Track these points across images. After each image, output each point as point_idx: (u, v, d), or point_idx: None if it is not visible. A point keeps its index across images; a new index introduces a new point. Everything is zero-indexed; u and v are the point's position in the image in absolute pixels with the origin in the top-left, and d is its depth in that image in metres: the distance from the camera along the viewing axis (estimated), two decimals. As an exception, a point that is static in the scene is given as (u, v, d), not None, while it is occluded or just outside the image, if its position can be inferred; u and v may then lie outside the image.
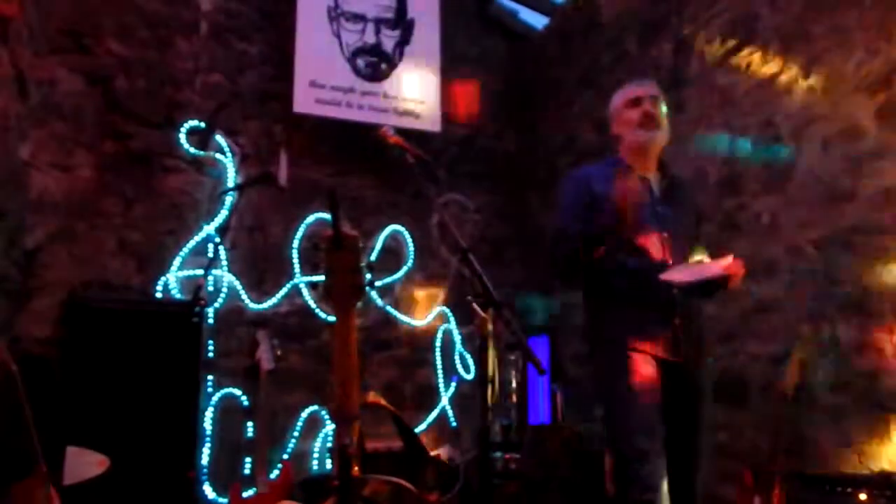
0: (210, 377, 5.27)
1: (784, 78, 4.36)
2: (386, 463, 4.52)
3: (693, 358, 2.98)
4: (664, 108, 3.22)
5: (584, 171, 3.29)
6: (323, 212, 5.88)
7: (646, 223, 3.02)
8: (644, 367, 2.88)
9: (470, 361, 6.35)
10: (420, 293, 6.37)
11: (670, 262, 2.99)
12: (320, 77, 5.97)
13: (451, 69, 6.68)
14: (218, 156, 5.67)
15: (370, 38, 6.28)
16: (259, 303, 5.65)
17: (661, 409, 2.84)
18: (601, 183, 3.07)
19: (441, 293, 6.43)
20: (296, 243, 5.87)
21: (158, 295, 5.24)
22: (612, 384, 2.95)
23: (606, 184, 3.03)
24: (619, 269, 3.00)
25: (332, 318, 5.30)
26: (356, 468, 1.80)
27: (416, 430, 5.71)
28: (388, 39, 6.36)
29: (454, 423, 6.18)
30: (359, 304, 1.86)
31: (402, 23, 6.42)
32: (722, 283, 2.95)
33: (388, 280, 6.23)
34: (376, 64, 6.26)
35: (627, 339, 2.93)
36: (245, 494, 4.67)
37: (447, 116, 6.55)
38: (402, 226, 6.33)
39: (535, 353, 2.41)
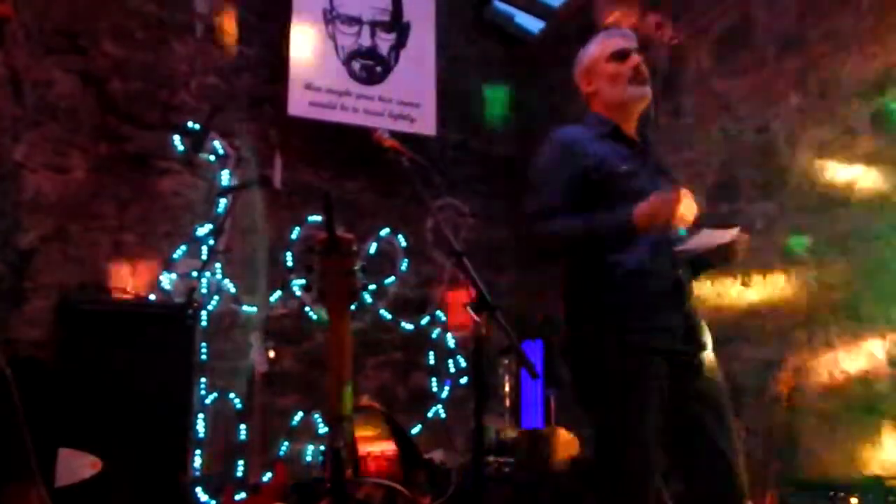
0: (203, 379, 5.25)
1: (780, 83, 4.37)
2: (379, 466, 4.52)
3: (705, 347, 2.65)
4: None
5: (569, 132, 2.84)
6: (317, 215, 5.87)
7: (644, 193, 2.56)
8: (654, 364, 2.52)
9: (463, 365, 6.35)
10: (414, 297, 6.37)
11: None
12: (315, 80, 5.97)
13: (446, 73, 6.69)
14: (212, 158, 5.66)
15: (366, 41, 6.27)
16: (253, 305, 5.64)
17: (667, 412, 2.51)
18: (592, 145, 2.72)
19: (435, 297, 6.43)
20: (290, 246, 5.87)
21: (152, 297, 5.23)
22: (615, 385, 2.54)
23: (597, 146, 2.72)
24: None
25: (326, 321, 5.30)
26: (349, 471, 1.81)
27: (410, 433, 5.70)
28: (384, 42, 6.35)
29: (447, 427, 6.18)
30: (352, 306, 1.86)
31: (397, 26, 6.42)
32: (725, 257, 2.65)
33: (382, 283, 6.22)
34: (372, 67, 6.26)
35: (634, 331, 2.54)
36: (238, 497, 4.67)
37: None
38: (397, 229, 6.33)
39: (528, 357, 2.39)
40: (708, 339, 2.70)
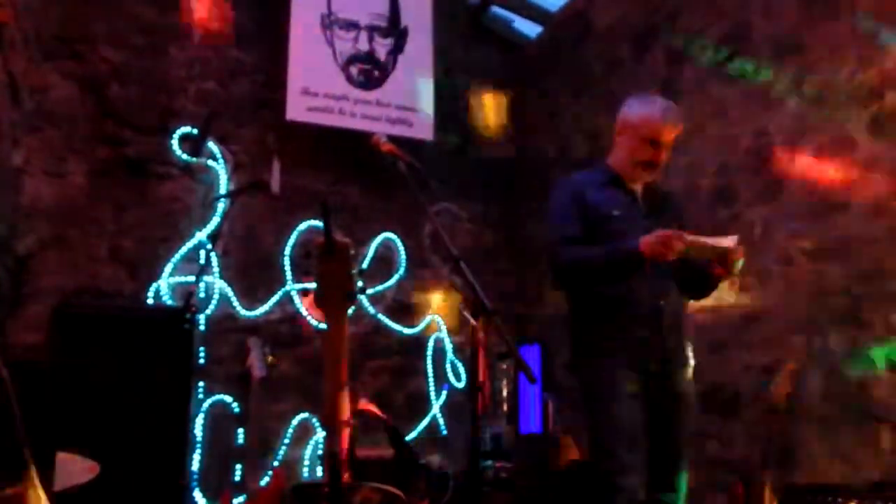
0: (201, 384, 5.25)
1: (777, 88, 4.37)
2: (377, 470, 4.52)
3: (679, 368, 3.03)
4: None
5: (576, 179, 3.27)
6: (315, 219, 5.88)
7: (633, 235, 2.92)
8: (629, 381, 2.91)
9: (461, 370, 6.34)
10: (411, 301, 6.36)
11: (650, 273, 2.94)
12: (313, 85, 5.97)
13: (444, 77, 6.70)
14: (210, 163, 5.67)
15: (363, 45, 6.28)
16: (251, 310, 5.64)
17: (645, 422, 2.89)
18: (593, 191, 3.12)
19: (433, 301, 6.42)
20: (288, 251, 5.87)
21: (150, 302, 5.23)
22: (597, 397, 2.97)
23: (597, 192, 3.11)
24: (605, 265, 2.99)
25: (323, 326, 5.29)
26: (347, 475, 1.80)
27: (407, 438, 5.69)
28: (382, 47, 6.36)
29: (445, 432, 6.17)
30: (350, 311, 1.86)
31: (395, 30, 6.42)
32: (725, 265, 2.88)
33: (379, 288, 6.22)
34: (369, 72, 6.27)
35: (614, 352, 2.96)
36: (235, 501, 4.66)
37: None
38: (395, 234, 6.33)
39: (526, 361, 2.41)
40: (688, 364, 3.09)
